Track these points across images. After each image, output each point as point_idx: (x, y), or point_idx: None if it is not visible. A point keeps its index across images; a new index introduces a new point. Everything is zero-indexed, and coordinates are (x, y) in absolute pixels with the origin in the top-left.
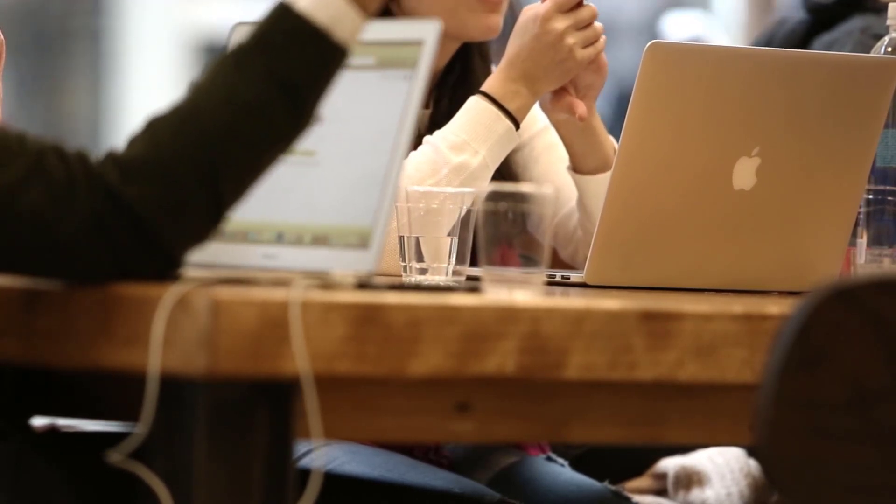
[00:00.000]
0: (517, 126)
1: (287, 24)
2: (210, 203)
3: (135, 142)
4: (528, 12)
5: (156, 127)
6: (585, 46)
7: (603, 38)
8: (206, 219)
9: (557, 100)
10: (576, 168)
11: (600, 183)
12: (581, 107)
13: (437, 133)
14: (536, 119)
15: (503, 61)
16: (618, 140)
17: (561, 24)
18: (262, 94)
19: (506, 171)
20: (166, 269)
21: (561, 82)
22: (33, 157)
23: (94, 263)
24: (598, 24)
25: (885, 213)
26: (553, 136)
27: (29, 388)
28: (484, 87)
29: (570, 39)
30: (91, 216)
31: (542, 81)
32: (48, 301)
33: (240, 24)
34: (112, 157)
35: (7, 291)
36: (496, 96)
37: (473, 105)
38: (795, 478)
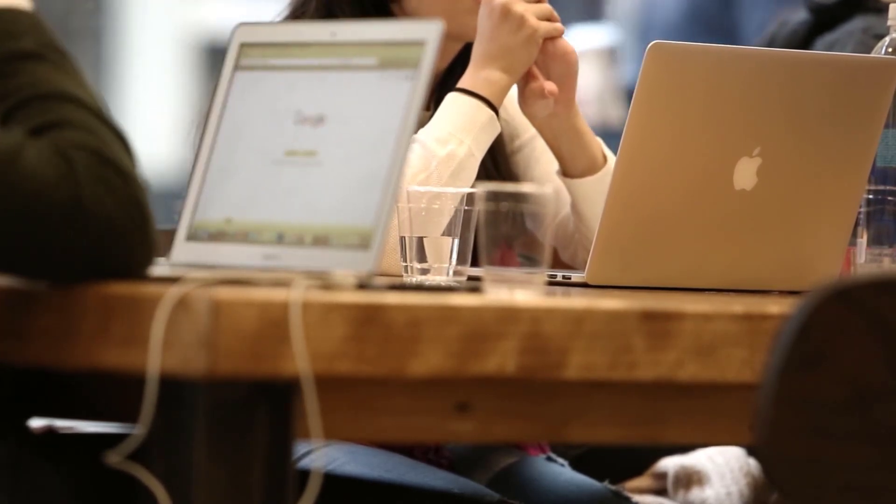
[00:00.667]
0: (497, 113)
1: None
2: (119, 132)
3: (40, 151)
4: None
5: (29, 146)
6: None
7: (561, 26)
8: (129, 147)
9: (527, 86)
10: (565, 172)
11: (591, 185)
12: (550, 84)
13: (421, 131)
14: None
15: (472, 57)
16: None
17: None
18: (48, 57)
19: (506, 172)
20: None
21: (529, 55)
22: (21, 133)
23: (99, 217)
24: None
25: (885, 213)
26: None
27: (27, 388)
28: (459, 84)
29: (519, 7)
30: (87, 173)
31: (508, 57)
32: (47, 301)
33: (242, 24)
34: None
35: (5, 292)
36: (470, 88)
37: (452, 101)
38: (795, 478)
